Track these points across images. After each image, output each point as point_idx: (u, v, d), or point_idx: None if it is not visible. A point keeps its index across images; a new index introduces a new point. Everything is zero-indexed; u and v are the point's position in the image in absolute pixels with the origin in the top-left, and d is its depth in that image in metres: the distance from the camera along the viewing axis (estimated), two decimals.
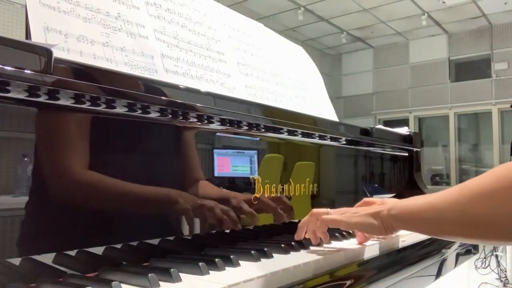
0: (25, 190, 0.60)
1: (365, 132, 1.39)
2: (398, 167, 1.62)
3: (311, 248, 0.87)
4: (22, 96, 0.58)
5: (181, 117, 0.81)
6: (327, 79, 7.92)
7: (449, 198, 0.67)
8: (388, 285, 0.87)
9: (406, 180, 1.66)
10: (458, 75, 8.05)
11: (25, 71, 0.57)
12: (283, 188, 1.04)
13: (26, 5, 0.72)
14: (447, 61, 8.01)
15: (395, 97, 8.54)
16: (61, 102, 0.63)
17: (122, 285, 0.55)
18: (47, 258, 0.61)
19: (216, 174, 0.89)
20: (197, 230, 0.84)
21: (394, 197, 1.55)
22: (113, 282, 0.54)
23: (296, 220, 1.06)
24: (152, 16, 0.94)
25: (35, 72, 0.58)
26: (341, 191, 1.32)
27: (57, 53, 0.62)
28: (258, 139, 1.01)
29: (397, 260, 0.96)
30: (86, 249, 0.65)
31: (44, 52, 0.59)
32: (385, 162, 1.55)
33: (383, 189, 1.54)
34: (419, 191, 1.61)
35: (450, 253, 1.22)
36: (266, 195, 0.98)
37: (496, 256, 4.30)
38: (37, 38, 0.71)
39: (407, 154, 1.65)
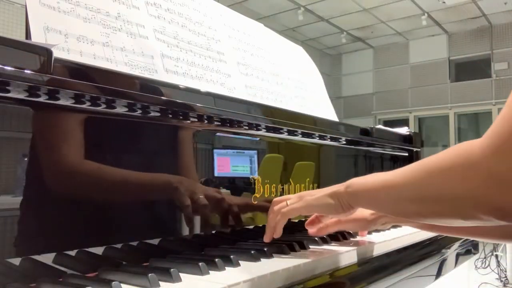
0: (25, 190, 0.60)
1: (365, 132, 1.39)
2: (398, 167, 1.62)
3: (311, 248, 0.87)
4: (22, 96, 0.58)
5: (181, 117, 0.81)
6: (327, 79, 7.93)
7: (406, 175, 0.66)
8: (388, 285, 0.87)
9: None
10: (458, 75, 8.05)
11: (25, 71, 0.57)
12: (283, 188, 1.03)
13: (26, 5, 0.72)
14: (447, 61, 8.02)
15: (395, 97, 8.55)
16: (61, 102, 0.63)
17: (122, 285, 0.55)
18: (47, 258, 0.61)
19: (216, 174, 0.89)
20: (197, 230, 0.84)
21: None
22: (113, 282, 0.54)
23: (296, 220, 1.06)
24: (152, 16, 0.94)
25: (35, 72, 0.58)
26: None
27: (57, 53, 0.62)
28: (258, 139, 1.01)
29: (397, 260, 0.96)
30: (86, 249, 0.65)
31: (44, 52, 0.59)
32: (385, 162, 1.55)
33: None
34: None
35: (450, 253, 1.22)
36: (266, 196, 0.98)
37: (496, 256, 4.30)
38: (37, 38, 0.71)
39: (407, 154, 1.65)
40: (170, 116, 0.79)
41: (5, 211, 0.58)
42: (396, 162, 1.61)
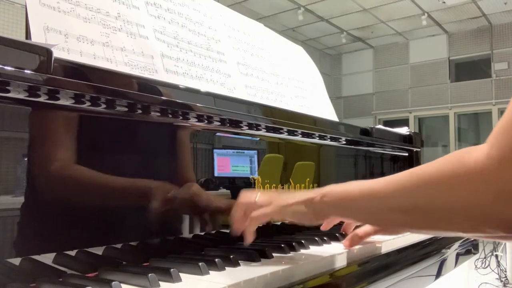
0: (25, 190, 0.60)
1: (365, 132, 1.39)
2: (398, 167, 1.62)
3: (311, 248, 0.87)
4: (22, 96, 0.58)
5: (181, 117, 0.81)
6: (327, 79, 7.93)
7: (395, 184, 0.62)
8: (388, 285, 0.87)
9: None
10: (458, 75, 8.05)
11: (25, 71, 0.57)
12: (283, 188, 1.03)
13: (26, 5, 0.72)
14: (447, 61, 8.02)
15: (395, 97, 8.55)
16: (61, 102, 0.63)
17: (122, 285, 0.55)
18: (47, 258, 0.61)
19: (216, 174, 0.89)
20: (197, 230, 0.84)
21: None
22: (113, 282, 0.54)
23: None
24: (152, 16, 0.94)
25: (35, 72, 0.58)
26: None
27: (57, 53, 0.62)
28: (258, 139, 1.01)
29: (396, 260, 0.96)
30: (86, 249, 0.65)
31: (44, 52, 0.59)
32: (385, 162, 1.55)
33: None
34: None
35: (450, 253, 1.22)
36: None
37: (496, 256, 4.30)
38: (37, 38, 0.71)
39: (407, 154, 1.65)
40: (170, 116, 0.79)
41: (5, 211, 0.58)
42: (396, 162, 1.61)
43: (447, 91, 7.98)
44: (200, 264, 0.64)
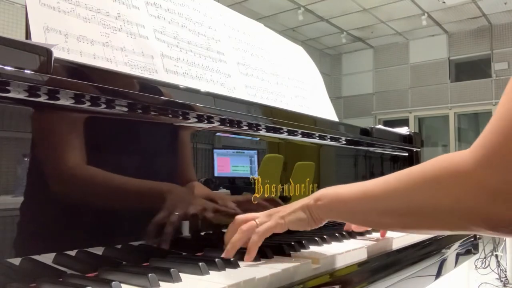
0: (25, 190, 0.60)
1: (365, 132, 1.39)
2: (398, 167, 1.62)
3: (311, 248, 0.87)
4: (22, 96, 0.58)
5: (181, 117, 0.81)
6: (327, 79, 7.93)
7: (385, 186, 0.64)
8: (388, 285, 0.87)
9: None
10: (458, 75, 8.05)
11: (25, 71, 0.57)
12: (283, 188, 1.03)
13: (26, 5, 0.72)
14: (447, 61, 8.02)
15: (395, 97, 8.55)
16: (61, 102, 0.63)
17: (122, 285, 0.55)
18: (47, 258, 0.61)
19: (216, 174, 0.89)
20: (197, 230, 0.84)
21: None
22: (113, 282, 0.54)
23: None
24: (152, 16, 0.94)
25: (35, 72, 0.58)
26: None
27: (57, 53, 0.62)
28: (258, 139, 1.01)
29: (397, 260, 0.96)
30: (86, 249, 0.65)
31: (44, 52, 0.59)
32: (385, 162, 1.55)
33: None
34: None
35: (450, 253, 1.22)
36: (266, 196, 0.98)
37: (496, 256, 4.30)
38: (37, 38, 0.71)
39: (407, 154, 1.65)
40: (170, 116, 0.79)
41: (5, 211, 0.58)
42: (396, 162, 1.61)
43: (447, 91, 7.98)
44: (200, 264, 0.64)
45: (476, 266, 4.41)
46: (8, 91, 0.56)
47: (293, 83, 1.36)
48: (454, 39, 7.98)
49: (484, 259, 4.41)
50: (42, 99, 0.60)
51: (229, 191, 0.92)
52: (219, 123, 0.89)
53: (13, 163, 0.59)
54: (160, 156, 0.80)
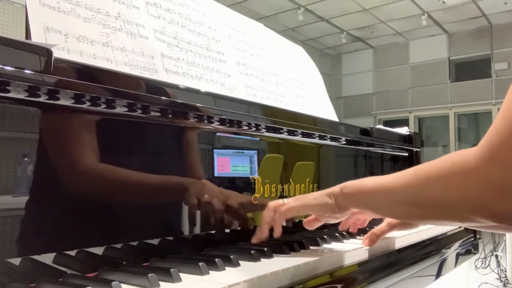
0: (25, 190, 0.60)
1: (365, 132, 1.39)
2: (398, 167, 1.62)
3: (311, 248, 0.87)
4: (22, 96, 0.58)
5: (181, 117, 0.81)
6: (327, 79, 7.93)
7: (402, 180, 0.69)
8: (388, 285, 0.87)
9: None
10: (458, 75, 8.05)
11: (25, 71, 0.57)
12: (283, 188, 1.03)
13: (26, 5, 0.72)
14: (447, 61, 8.02)
15: (395, 97, 8.55)
16: (61, 102, 0.63)
17: (122, 285, 0.55)
18: (47, 258, 0.61)
19: (216, 174, 0.89)
20: (197, 230, 0.84)
21: None
22: (113, 282, 0.54)
23: (297, 220, 1.06)
24: (152, 16, 0.95)
25: (35, 72, 0.58)
26: None
27: (57, 53, 0.62)
28: (258, 139, 1.01)
29: (397, 260, 0.96)
30: (86, 249, 0.65)
31: (44, 52, 0.59)
32: (385, 162, 1.55)
33: None
34: None
35: (450, 253, 1.22)
36: (266, 196, 0.98)
37: (496, 256, 4.30)
38: (37, 38, 0.71)
39: (407, 154, 1.65)
40: (170, 116, 0.79)
41: (5, 211, 0.58)
42: (396, 162, 1.61)
43: (447, 91, 7.98)
44: (200, 264, 0.64)
45: (476, 266, 4.41)
46: (8, 91, 0.56)
47: (293, 83, 1.36)
48: (454, 39, 7.98)
49: (484, 259, 4.42)
50: (42, 99, 0.60)
51: (230, 191, 0.92)
52: (219, 123, 0.89)
53: (13, 163, 0.59)
54: (160, 156, 0.80)
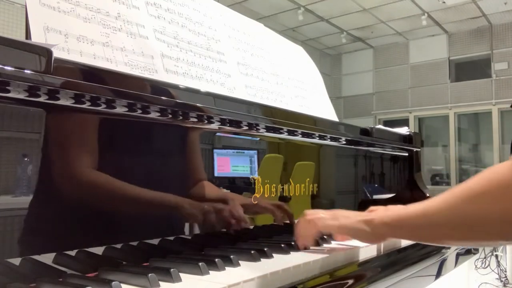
0: (25, 190, 0.60)
1: (365, 132, 1.39)
2: (398, 167, 1.62)
3: (311, 248, 0.87)
4: (22, 96, 0.58)
5: (181, 117, 0.81)
6: (327, 79, 7.92)
7: (441, 202, 0.68)
8: (388, 285, 0.87)
9: (406, 180, 1.65)
10: (458, 75, 8.04)
11: (25, 71, 0.57)
12: (283, 188, 1.03)
13: (26, 5, 0.72)
14: (447, 61, 8.01)
15: (395, 97, 8.54)
16: (61, 102, 0.63)
17: (122, 285, 0.55)
18: (47, 258, 0.61)
19: (216, 174, 0.89)
20: (197, 230, 0.83)
21: (394, 197, 1.55)
22: (113, 282, 0.54)
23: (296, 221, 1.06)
24: (152, 16, 0.94)
25: (35, 72, 0.58)
26: (341, 191, 1.32)
27: (57, 53, 0.62)
28: (258, 139, 1.01)
29: (397, 260, 0.96)
30: (86, 249, 0.65)
31: (44, 52, 0.59)
32: (385, 162, 1.55)
33: (383, 189, 1.54)
34: (419, 191, 1.61)
35: (450, 253, 1.22)
36: (266, 196, 0.98)
37: (496, 256, 4.30)
38: (37, 38, 0.71)
39: (407, 154, 1.65)
40: (170, 116, 0.79)
41: (5, 211, 0.58)
42: (396, 162, 1.61)
43: (447, 91, 7.97)
44: (200, 264, 0.64)
45: (476, 266, 4.41)
46: (8, 91, 0.56)
47: (293, 83, 1.36)
48: (454, 39, 7.98)
49: (484, 259, 4.41)
50: (42, 99, 0.60)
51: (229, 191, 0.92)
52: (219, 123, 0.89)
53: (13, 163, 0.59)
54: (159, 156, 0.80)
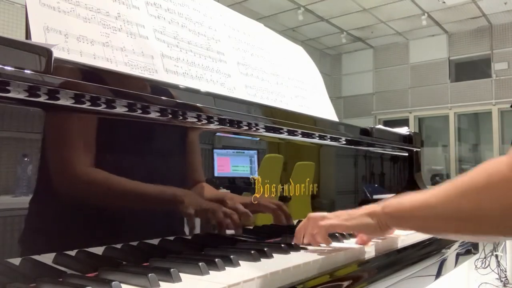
0: (25, 190, 0.60)
1: (365, 132, 1.39)
2: (398, 167, 1.62)
3: (311, 248, 0.87)
4: (22, 96, 0.58)
5: (181, 117, 0.81)
6: (327, 79, 7.92)
7: (442, 195, 0.69)
8: (388, 285, 0.87)
9: (406, 180, 1.66)
10: (458, 75, 8.04)
11: (25, 71, 0.57)
12: (283, 188, 1.03)
13: (26, 5, 0.72)
14: (447, 61, 8.01)
15: (395, 97, 8.54)
16: (61, 102, 0.63)
17: (122, 285, 0.55)
18: (47, 258, 0.61)
19: (216, 174, 0.89)
20: (197, 230, 0.83)
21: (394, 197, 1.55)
22: (113, 282, 0.54)
23: (296, 221, 1.06)
24: (152, 16, 0.94)
25: (35, 72, 0.58)
26: (341, 191, 1.32)
27: (57, 53, 0.62)
28: (258, 139, 1.01)
29: (397, 260, 0.96)
30: (86, 249, 0.65)
31: (44, 52, 0.59)
32: (385, 162, 1.55)
33: (383, 189, 1.54)
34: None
35: (450, 253, 1.22)
36: (266, 196, 0.98)
37: (496, 256, 4.30)
38: (37, 38, 0.71)
39: (407, 154, 1.65)
40: (170, 116, 0.79)
41: (5, 211, 0.58)
42: (396, 162, 1.61)
43: (447, 91, 7.97)
44: (200, 264, 0.64)
45: (476, 266, 4.40)
46: (8, 91, 0.56)
47: (293, 83, 1.36)
48: (454, 39, 7.98)
49: (484, 259, 4.41)
50: (43, 99, 0.60)
51: (229, 191, 0.92)
52: (219, 123, 0.89)
53: (13, 163, 0.59)
54: (159, 156, 0.80)
